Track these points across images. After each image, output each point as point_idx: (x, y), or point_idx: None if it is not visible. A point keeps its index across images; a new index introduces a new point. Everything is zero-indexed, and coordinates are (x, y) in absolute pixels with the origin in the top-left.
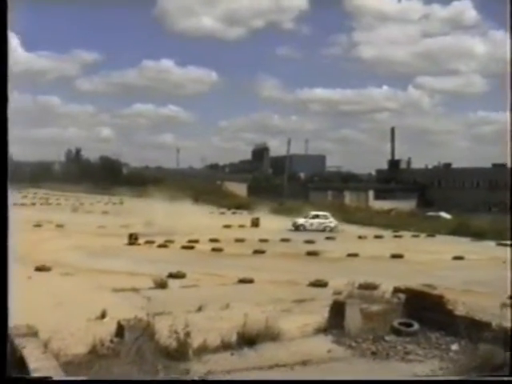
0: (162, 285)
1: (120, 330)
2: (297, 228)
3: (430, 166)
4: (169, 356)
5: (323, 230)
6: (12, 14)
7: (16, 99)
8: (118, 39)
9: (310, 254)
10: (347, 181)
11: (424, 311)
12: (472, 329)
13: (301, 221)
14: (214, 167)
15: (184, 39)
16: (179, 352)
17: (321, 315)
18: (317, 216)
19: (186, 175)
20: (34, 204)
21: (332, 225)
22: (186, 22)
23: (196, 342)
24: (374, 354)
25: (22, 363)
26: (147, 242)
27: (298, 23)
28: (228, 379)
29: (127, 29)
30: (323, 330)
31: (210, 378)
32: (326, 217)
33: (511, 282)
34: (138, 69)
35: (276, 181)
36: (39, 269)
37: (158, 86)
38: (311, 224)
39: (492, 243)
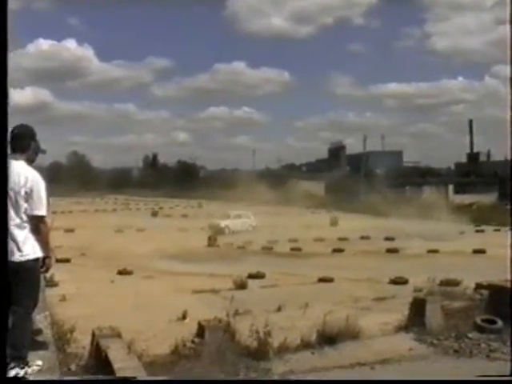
0: (241, 285)
1: (201, 331)
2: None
3: (509, 158)
4: (249, 356)
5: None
6: (86, 27)
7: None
8: (188, 44)
9: (390, 251)
10: (425, 176)
11: (508, 307)
12: None
13: (225, 222)
14: (290, 167)
15: (255, 40)
16: (260, 351)
17: (401, 313)
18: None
19: (262, 176)
20: (114, 210)
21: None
22: (256, 22)
23: (276, 341)
24: (456, 352)
25: (106, 363)
26: (226, 244)
27: (368, 18)
28: (229, 379)
29: (197, 33)
30: (404, 328)
31: (292, 377)
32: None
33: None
34: (210, 72)
35: (353, 179)
36: (121, 272)
37: (231, 88)
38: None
39: None
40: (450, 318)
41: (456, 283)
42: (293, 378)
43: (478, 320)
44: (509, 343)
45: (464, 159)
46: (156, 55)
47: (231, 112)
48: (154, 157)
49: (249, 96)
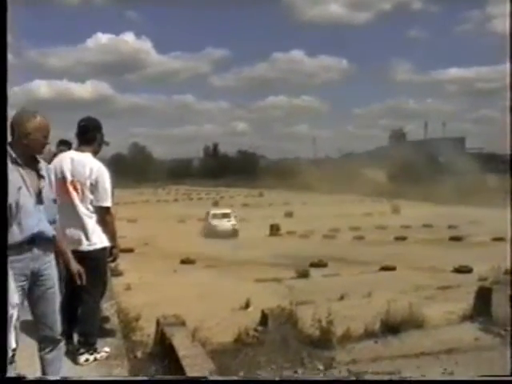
0: (304, 274)
1: (264, 319)
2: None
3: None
4: (312, 344)
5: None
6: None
7: (153, 100)
8: (246, 33)
9: (453, 239)
10: (489, 162)
11: None
12: None
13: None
14: (350, 155)
15: (312, 28)
16: (323, 340)
17: (466, 302)
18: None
19: (323, 164)
20: (176, 200)
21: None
22: (313, 10)
23: (339, 330)
24: None
25: (171, 351)
26: (288, 233)
27: (427, 2)
28: (228, 379)
29: (255, 22)
30: (469, 318)
31: (354, 366)
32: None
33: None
34: (268, 61)
35: (415, 166)
36: (184, 262)
37: (289, 77)
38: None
39: None
40: None
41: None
42: (357, 367)
43: None
44: None
45: None
46: (214, 46)
47: (290, 101)
48: (215, 147)
49: (307, 84)
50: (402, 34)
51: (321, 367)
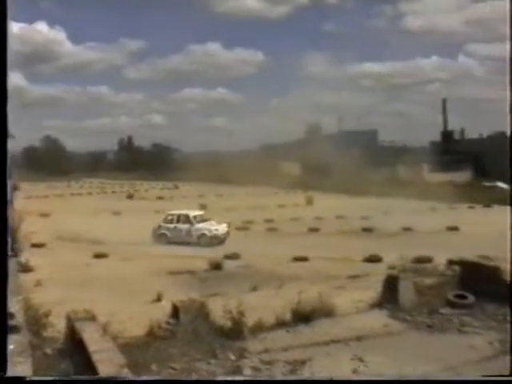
0: (217, 266)
1: (175, 312)
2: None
3: (484, 136)
4: (224, 335)
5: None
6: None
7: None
8: (161, 25)
9: (365, 229)
10: (401, 155)
11: (480, 283)
12: None
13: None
14: (267, 148)
15: (229, 21)
16: (235, 331)
17: (375, 290)
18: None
19: (238, 157)
20: (90, 193)
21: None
22: (230, 2)
23: (251, 320)
24: (429, 327)
25: (82, 346)
26: None
27: None
28: (228, 379)
29: (171, 14)
30: (378, 305)
31: (266, 356)
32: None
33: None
34: (184, 54)
35: (330, 158)
36: (97, 256)
37: (205, 69)
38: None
39: None
40: (423, 294)
41: (429, 260)
42: (269, 356)
43: (450, 296)
44: (479, 317)
45: (439, 138)
46: (129, 37)
47: (206, 93)
48: (129, 139)
49: (223, 77)
50: (318, 27)
51: (233, 357)
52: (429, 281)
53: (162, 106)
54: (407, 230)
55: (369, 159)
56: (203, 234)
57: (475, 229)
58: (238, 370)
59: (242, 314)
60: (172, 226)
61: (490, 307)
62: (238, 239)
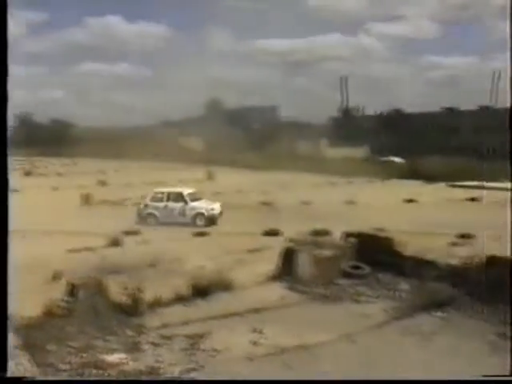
0: (116, 243)
1: (73, 290)
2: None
3: (382, 112)
4: (123, 312)
5: None
6: None
7: None
8: None
9: (265, 203)
10: (301, 130)
11: (375, 254)
12: (420, 268)
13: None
14: (167, 123)
15: None
16: (132, 307)
17: (274, 263)
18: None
19: (139, 132)
20: None
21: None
22: None
23: (149, 296)
24: (326, 297)
25: None
26: (101, 202)
27: None
28: (227, 379)
29: None
30: (276, 278)
31: (164, 331)
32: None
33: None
34: (84, 27)
35: (231, 133)
36: None
37: (106, 43)
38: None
39: (443, 185)
40: (320, 266)
41: (326, 233)
42: (168, 331)
43: (346, 267)
44: (374, 287)
45: (338, 114)
46: (27, 8)
47: (107, 68)
48: (27, 115)
49: (125, 51)
50: (221, 2)
51: (131, 334)
52: (326, 253)
53: (62, 80)
54: (306, 203)
55: (269, 134)
56: (200, 214)
57: (372, 202)
58: (136, 346)
59: (140, 290)
60: (162, 204)
61: (384, 277)
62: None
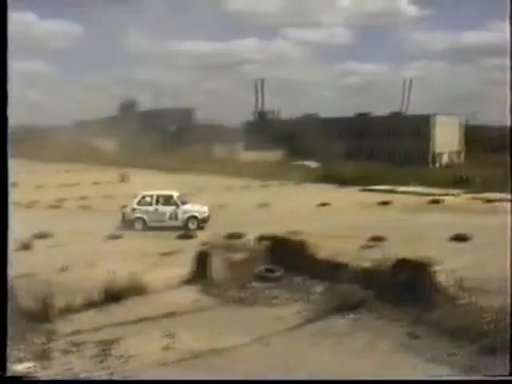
0: (26, 246)
1: None
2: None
3: (297, 117)
4: (33, 318)
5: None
6: None
7: None
8: None
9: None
10: (216, 133)
11: (288, 257)
12: (333, 271)
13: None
14: (80, 124)
15: None
16: (43, 313)
17: (187, 267)
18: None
19: (52, 132)
20: None
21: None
22: None
23: (60, 302)
24: (240, 300)
25: None
26: (13, 204)
27: None
28: (226, 379)
29: None
30: (189, 281)
31: (76, 337)
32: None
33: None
34: None
35: (145, 135)
36: None
37: (19, 40)
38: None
39: (356, 189)
40: (234, 269)
41: (240, 236)
42: (79, 338)
43: (260, 270)
44: (287, 290)
45: (254, 118)
46: None
47: (20, 65)
48: None
49: (38, 49)
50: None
51: (41, 341)
52: (240, 256)
53: None
54: (221, 206)
55: (184, 137)
56: (192, 217)
57: (286, 206)
58: (46, 353)
59: (50, 295)
60: (151, 208)
61: (297, 280)
62: (49, 218)
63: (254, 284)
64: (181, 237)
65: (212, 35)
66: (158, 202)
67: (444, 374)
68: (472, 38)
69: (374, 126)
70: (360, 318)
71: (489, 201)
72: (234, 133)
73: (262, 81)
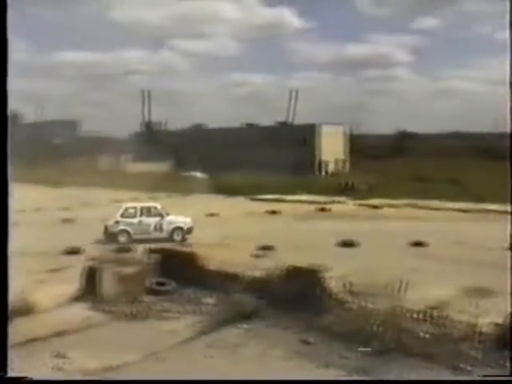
0: None
1: None
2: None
3: (184, 128)
4: None
5: None
6: None
7: None
8: None
9: (66, 220)
10: (102, 145)
11: (179, 269)
12: (224, 281)
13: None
14: None
15: None
16: None
17: (77, 283)
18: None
19: None
20: None
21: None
22: None
23: None
24: (132, 315)
25: None
26: None
27: None
28: (226, 379)
29: None
30: (79, 298)
31: None
32: None
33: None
34: None
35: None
36: None
37: None
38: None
39: (244, 199)
40: (124, 283)
41: (129, 249)
42: None
43: (151, 283)
44: (179, 302)
45: (140, 129)
46: None
47: None
48: None
49: None
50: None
51: None
52: (129, 270)
53: None
54: (107, 220)
55: (69, 149)
56: (178, 228)
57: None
58: None
59: None
60: (135, 220)
61: (188, 292)
62: None
63: (146, 298)
64: (68, 252)
65: (98, 45)
66: (142, 213)
67: (336, 376)
68: (354, 50)
69: (261, 135)
70: (253, 328)
71: (375, 207)
72: (120, 144)
73: (149, 92)
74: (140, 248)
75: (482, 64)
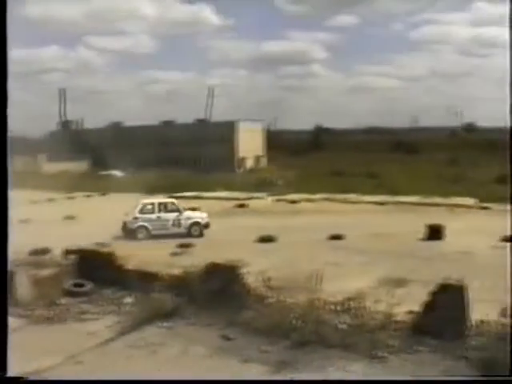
0: None
1: None
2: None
3: (102, 126)
4: None
5: None
6: None
7: None
8: None
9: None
10: (17, 145)
11: (97, 269)
12: (143, 281)
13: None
14: None
15: None
16: None
17: None
18: None
19: None
20: None
21: None
22: None
23: None
24: (49, 319)
25: None
26: None
27: None
28: (226, 379)
29: None
30: None
31: None
32: None
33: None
34: None
35: None
36: None
37: None
38: None
39: (162, 197)
40: (40, 286)
41: (45, 251)
42: None
43: (68, 285)
44: (98, 303)
45: (57, 128)
46: None
47: None
48: None
49: None
50: None
51: None
52: (45, 272)
53: None
54: (24, 221)
55: None
56: (196, 223)
57: (92, 217)
58: None
59: None
60: (154, 216)
61: (107, 292)
62: None
63: (63, 300)
64: None
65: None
66: (160, 209)
67: (258, 371)
68: (271, 47)
69: (180, 133)
70: (174, 326)
71: (293, 202)
72: (35, 144)
73: (64, 90)
74: (57, 249)
75: (395, 61)
